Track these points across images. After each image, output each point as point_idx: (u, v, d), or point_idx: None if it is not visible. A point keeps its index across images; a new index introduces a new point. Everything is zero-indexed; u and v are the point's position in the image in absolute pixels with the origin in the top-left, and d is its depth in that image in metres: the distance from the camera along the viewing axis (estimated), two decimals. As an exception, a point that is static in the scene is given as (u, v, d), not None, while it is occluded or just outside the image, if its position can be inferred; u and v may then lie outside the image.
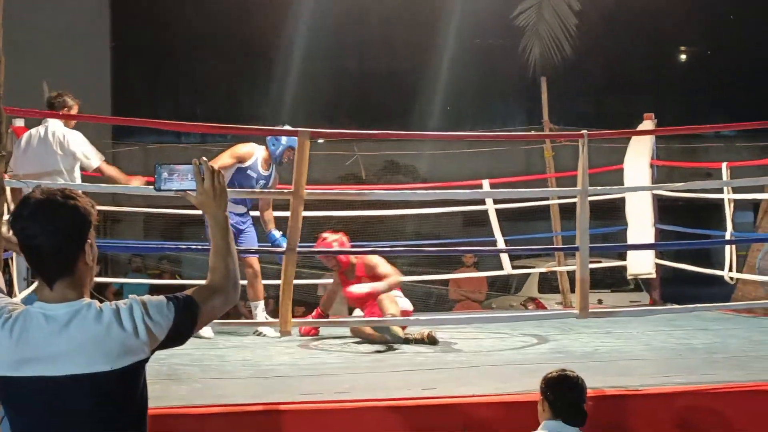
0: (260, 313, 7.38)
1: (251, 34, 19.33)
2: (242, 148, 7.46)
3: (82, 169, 6.88)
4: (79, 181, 6.80)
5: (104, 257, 15.92)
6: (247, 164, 7.37)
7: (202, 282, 2.63)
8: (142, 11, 19.03)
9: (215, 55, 20.34)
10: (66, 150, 6.74)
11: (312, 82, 18.97)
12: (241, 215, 7.44)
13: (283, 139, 7.42)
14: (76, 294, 2.41)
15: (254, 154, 7.44)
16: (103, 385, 2.34)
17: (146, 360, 2.43)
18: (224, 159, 7.35)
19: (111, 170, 6.89)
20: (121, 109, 17.84)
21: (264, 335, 7.26)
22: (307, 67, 18.79)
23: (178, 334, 2.46)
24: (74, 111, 6.97)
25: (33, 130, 6.91)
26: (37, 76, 13.05)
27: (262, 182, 7.44)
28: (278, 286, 5.74)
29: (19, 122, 7.34)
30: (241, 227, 7.39)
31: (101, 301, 2.43)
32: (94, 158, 6.81)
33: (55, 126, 6.80)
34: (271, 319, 6.99)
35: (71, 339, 2.34)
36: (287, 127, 7.39)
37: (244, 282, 7.48)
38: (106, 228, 17.27)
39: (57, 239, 2.38)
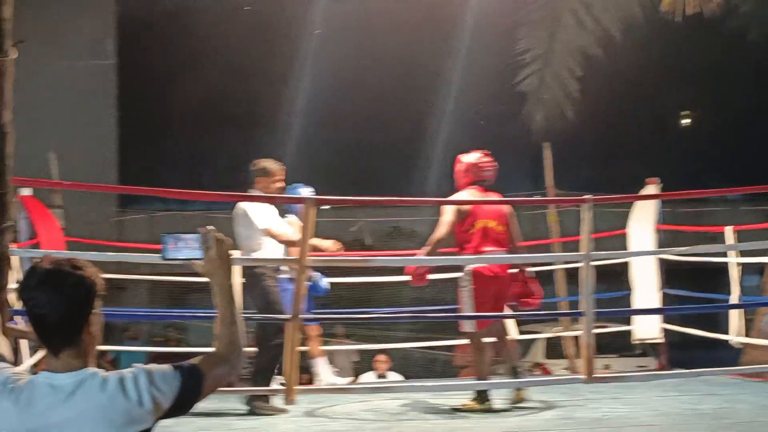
0: (324, 369, 7.55)
1: (254, 103, 19.53)
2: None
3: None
4: (267, 252, 6.82)
5: (108, 325, 15.91)
6: None
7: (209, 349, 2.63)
8: (148, 82, 19.25)
9: (219, 124, 20.51)
10: (246, 221, 6.86)
11: (314, 149, 19.10)
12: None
13: (299, 191, 7.65)
14: (80, 363, 2.41)
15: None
16: None
17: (150, 429, 2.43)
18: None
19: (280, 234, 6.84)
20: (127, 178, 17.96)
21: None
22: (309, 135, 18.95)
23: (182, 404, 2.46)
24: (276, 177, 7.00)
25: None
26: (45, 146, 13.17)
27: None
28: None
29: (26, 191, 7.38)
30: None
31: (106, 370, 2.44)
32: (259, 224, 6.84)
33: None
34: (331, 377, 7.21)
35: (76, 408, 2.34)
36: (299, 186, 7.63)
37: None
38: (111, 296, 17.27)
39: (62, 310, 2.39)
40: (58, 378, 2.38)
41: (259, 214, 6.87)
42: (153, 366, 2.46)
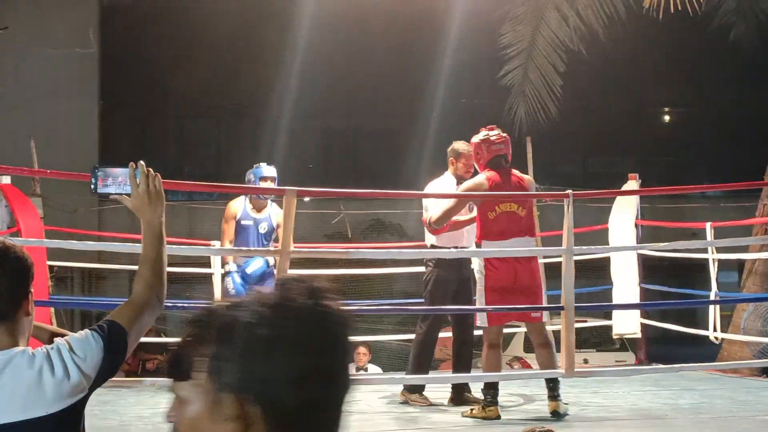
0: None
1: (239, 93, 19.47)
2: (229, 206, 7.69)
3: None
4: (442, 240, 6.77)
5: (88, 315, 15.86)
6: (239, 217, 7.59)
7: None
8: (131, 71, 19.16)
9: (203, 114, 20.45)
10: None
11: (300, 140, 19.08)
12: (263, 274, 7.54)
13: (259, 172, 7.65)
14: (12, 341, 2.38)
15: (239, 200, 7.67)
16: (40, 430, 2.31)
17: (85, 399, 2.38)
18: (223, 226, 7.63)
19: (439, 216, 6.59)
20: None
21: None
22: (294, 126, 18.91)
23: (111, 363, 2.41)
24: (462, 160, 6.82)
25: None
26: (25, 134, 13.11)
27: (263, 224, 7.61)
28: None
29: (6, 180, 7.33)
30: None
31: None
32: (430, 210, 6.69)
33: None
34: None
35: (4, 387, 2.31)
36: (263, 166, 7.63)
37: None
38: (91, 285, 17.21)
39: (3, 286, 2.36)
40: None
41: (431, 203, 6.72)
42: (71, 335, 2.41)
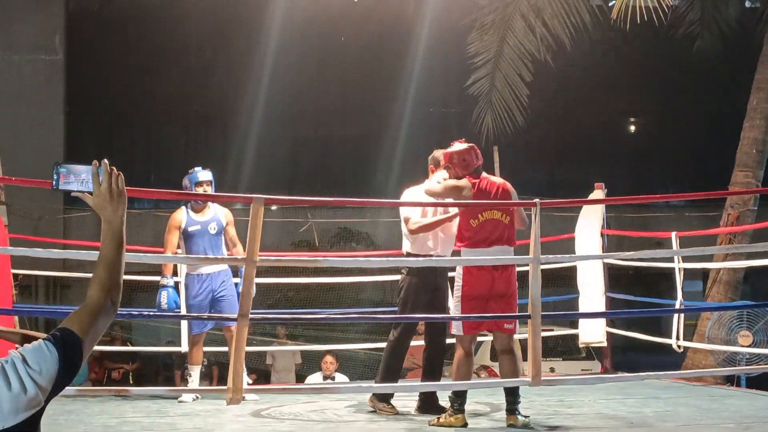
0: (195, 378, 7.56)
1: (207, 100, 19.40)
2: (172, 217, 7.63)
3: None
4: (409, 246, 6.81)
5: (53, 323, 15.75)
6: (183, 225, 7.52)
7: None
8: (98, 78, 19.04)
9: (171, 121, 20.34)
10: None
11: (269, 149, 19.04)
12: (218, 279, 7.52)
13: (195, 177, 7.61)
14: None
15: (181, 211, 7.64)
16: None
17: (41, 410, 2.34)
18: (166, 237, 7.56)
19: (417, 227, 6.67)
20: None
21: (183, 402, 7.26)
22: (263, 135, 18.87)
23: (67, 373, 2.38)
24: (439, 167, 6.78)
25: None
26: (-10, 141, 12.99)
27: (212, 224, 7.55)
28: (224, 352, 5.71)
29: (-31, 187, 7.27)
30: (220, 292, 7.50)
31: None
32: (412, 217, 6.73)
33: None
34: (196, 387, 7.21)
35: None
36: (198, 171, 7.60)
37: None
38: (56, 294, 17.08)
39: None
40: None
41: (408, 207, 6.77)
42: (25, 348, 2.36)
